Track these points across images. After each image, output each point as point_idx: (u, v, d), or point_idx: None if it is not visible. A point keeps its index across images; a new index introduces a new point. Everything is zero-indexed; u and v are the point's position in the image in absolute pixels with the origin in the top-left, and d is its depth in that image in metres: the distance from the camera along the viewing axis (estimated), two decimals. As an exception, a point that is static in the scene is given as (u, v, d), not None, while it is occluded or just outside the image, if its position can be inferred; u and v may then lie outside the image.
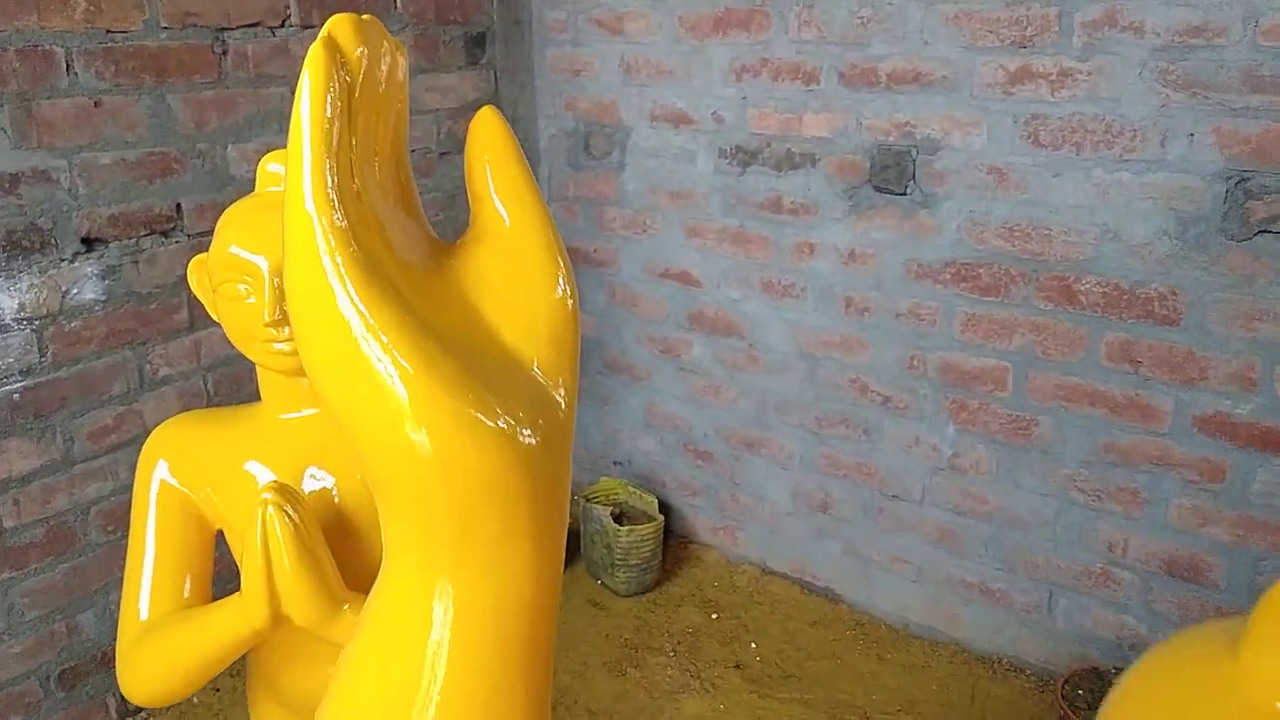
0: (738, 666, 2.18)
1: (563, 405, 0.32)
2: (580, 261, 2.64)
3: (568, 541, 2.54)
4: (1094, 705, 1.81)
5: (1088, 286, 1.83)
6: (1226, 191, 1.65)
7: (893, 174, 2.02)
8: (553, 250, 0.34)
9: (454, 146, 2.40)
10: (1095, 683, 1.87)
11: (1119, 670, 1.86)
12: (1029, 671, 2.10)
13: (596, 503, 2.51)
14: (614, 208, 2.53)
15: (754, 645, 2.25)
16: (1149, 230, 1.74)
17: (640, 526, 2.42)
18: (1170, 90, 1.66)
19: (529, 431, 0.30)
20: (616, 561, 2.40)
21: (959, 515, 2.13)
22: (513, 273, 0.33)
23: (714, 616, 2.36)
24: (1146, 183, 1.73)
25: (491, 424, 0.29)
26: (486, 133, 0.33)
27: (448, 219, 2.42)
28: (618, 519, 2.46)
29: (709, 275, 2.40)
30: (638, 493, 2.59)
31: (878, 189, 2.05)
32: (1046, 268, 1.87)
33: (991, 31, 1.82)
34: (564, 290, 0.34)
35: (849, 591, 2.37)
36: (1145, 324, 1.79)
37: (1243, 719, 0.39)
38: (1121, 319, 1.81)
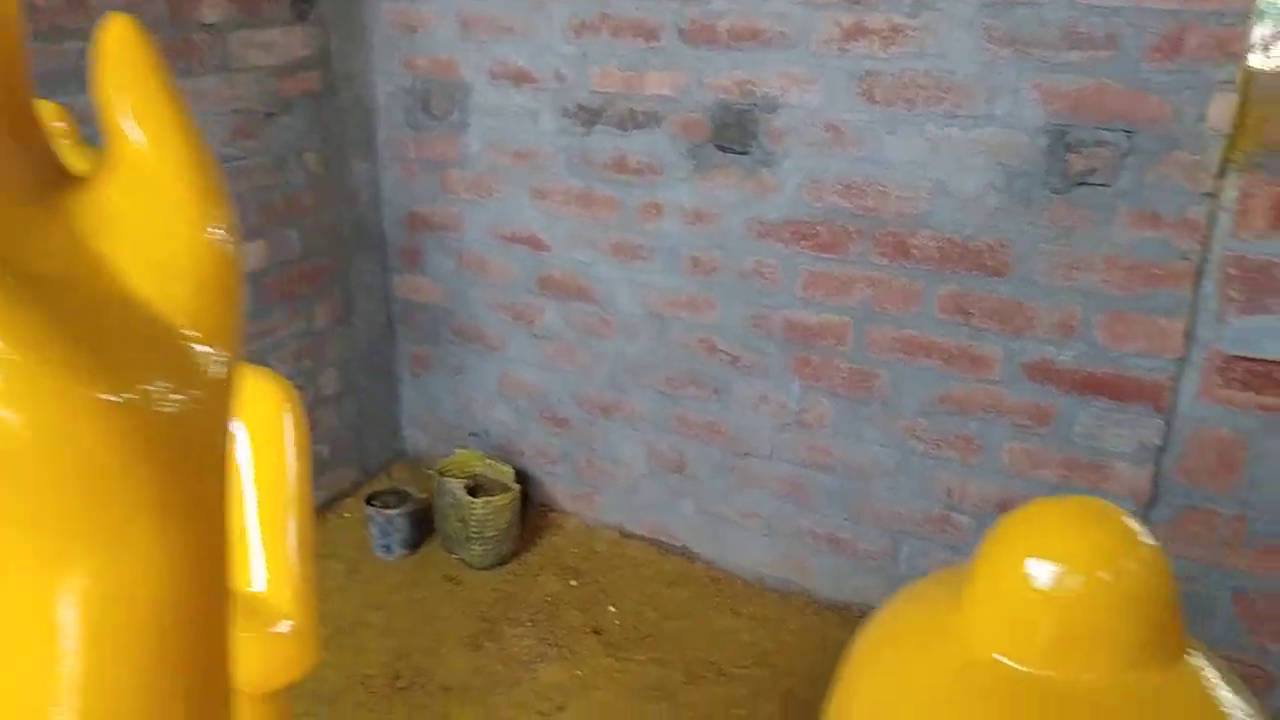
0: (596, 631, 2.16)
1: (213, 363, 0.27)
2: (424, 226, 2.54)
3: (422, 517, 2.45)
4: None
5: (922, 241, 1.88)
6: (1048, 146, 1.71)
7: (735, 132, 2.02)
8: (198, 178, 0.28)
9: (279, 107, 2.25)
10: (937, 624, 1.94)
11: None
12: (877, 617, 2.17)
13: (450, 476, 2.44)
14: (457, 169, 2.44)
15: (612, 609, 2.24)
16: (978, 185, 1.79)
17: (495, 497, 2.36)
18: (996, 46, 1.71)
19: (161, 400, 0.25)
20: (472, 534, 2.34)
21: (806, 469, 2.17)
22: (148, 209, 0.27)
23: (573, 583, 2.34)
24: (975, 138, 1.77)
25: (110, 398, 0.24)
26: (115, 42, 0.27)
27: (277, 184, 2.28)
28: (474, 491, 2.40)
29: (557, 238, 2.35)
30: (494, 463, 2.53)
31: (720, 148, 2.04)
32: (882, 224, 1.91)
33: (825, -13, 1.83)
34: (213, 226, 0.28)
35: (705, 549, 2.39)
36: (976, 276, 1.84)
37: (962, 668, 0.39)
38: (954, 272, 1.86)
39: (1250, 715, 0.45)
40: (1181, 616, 0.53)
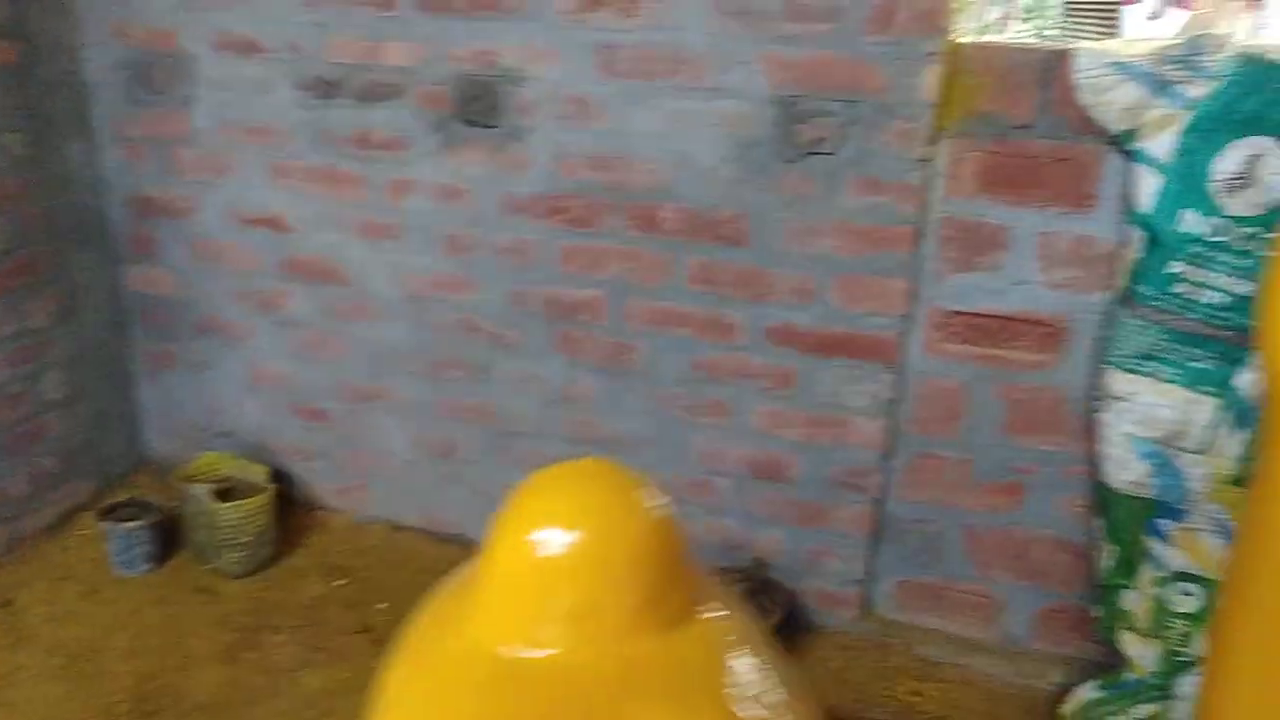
0: (365, 630, 2.08)
1: None
2: (154, 212, 2.33)
3: (168, 528, 2.26)
4: (701, 607, 1.93)
5: (668, 213, 1.90)
6: (778, 116, 1.77)
7: (481, 105, 1.97)
8: None
9: (-35, 77, 1.99)
10: (703, 586, 1.99)
11: (723, 571, 1.99)
12: (649, 585, 2.20)
13: (197, 481, 2.26)
14: (186, 148, 2.25)
15: (382, 606, 2.15)
16: (716, 156, 1.83)
17: (248, 501, 2.21)
18: (727, 18, 1.74)
19: None
20: (224, 542, 2.18)
21: (574, 444, 2.16)
22: None
23: (340, 583, 2.24)
24: (711, 109, 1.81)
25: None
26: None
27: (-34, 165, 2.02)
28: (224, 495, 2.24)
29: (302, 219, 2.21)
30: (246, 464, 2.37)
31: (467, 122, 1.99)
32: (631, 196, 1.92)
33: (560, -43, 1.80)
34: None
35: (479, 532, 2.33)
36: (719, 246, 1.89)
37: (467, 661, 0.38)
38: (699, 242, 1.90)
39: (759, 669, 0.45)
40: (696, 576, 0.53)
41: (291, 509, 2.43)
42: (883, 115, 1.70)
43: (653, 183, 1.89)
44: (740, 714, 0.30)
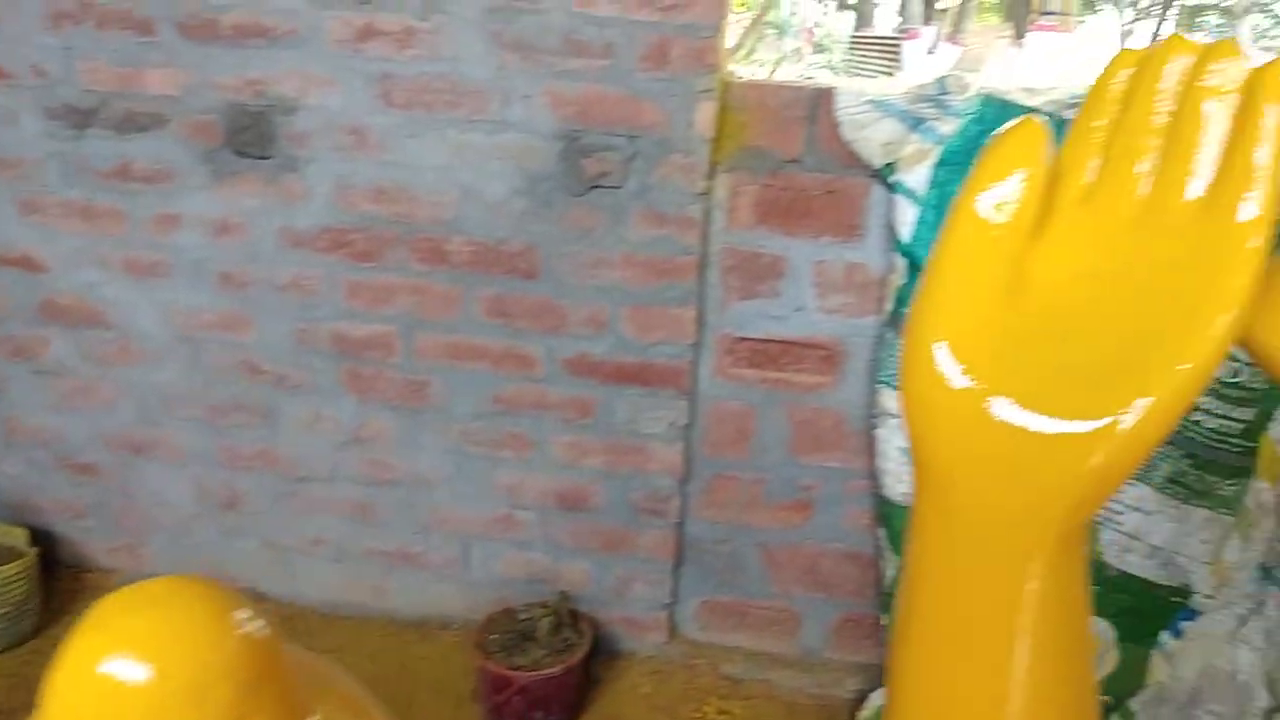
0: (142, 700, 1.91)
1: None
2: (-123, 251, 2.08)
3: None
4: (506, 646, 1.89)
5: (456, 246, 1.87)
6: (563, 150, 1.77)
7: (253, 136, 1.87)
8: None
9: None
10: (509, 623, 1.96)
11: (529, 606, 1.97)
12: (455, 626, 2.15)
13: (-62, 548, 2.03)
14: (-85, 182, 2.02)
15: (163, 671, 1.99)
16: (504, 189, 1.82)
17: (5, 567, 2.00)
18: (505, 52, 1.73)
19: None
20: (-26, 614, 1.97)
21: (370, 486, 2.08)
22: None
23: (114, 649, 2.05)
24: (496, 143, 1.79)
25: None
26: None
27: None
28: (-25, 562, 2.02)
29: (57, 257, 2.03)
30: (3, 528, 2.15)
31: (238, 152, 1.88)
32: (418, 230, 1.87)
33: (332, -15, 1.74)
34: None
35: (272, 585, 2.22)
36: (511, 279, 1.87)
37: None
38: (490, 275, 1.87)
39: None
40: (296, 692, 0.50)
41: (57, 573, 2.22)
42: (663, 150, 1.73)
43: (440, 215, 1.85)
44: None
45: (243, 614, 0.36)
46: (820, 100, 1.69)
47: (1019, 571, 0.35)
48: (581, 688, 1.94)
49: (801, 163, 1.73)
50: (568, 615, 1.95)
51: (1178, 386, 0.32)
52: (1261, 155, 0.32)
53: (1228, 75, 0.34)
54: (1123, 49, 0.38)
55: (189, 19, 1.81)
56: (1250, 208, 0.32)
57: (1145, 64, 0.36)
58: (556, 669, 1.82)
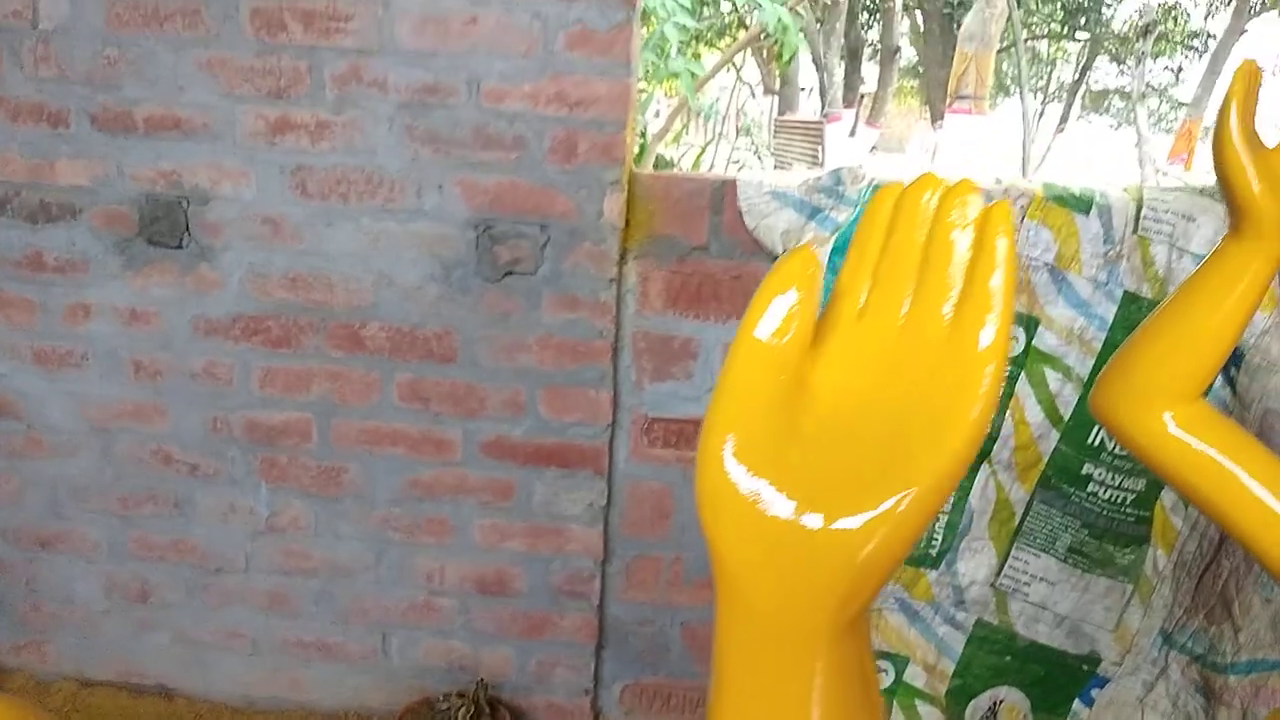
0: (40, 810, 1.83)
1: None
2: None
3: None
4: (424, 737, 1.86)
5: (373, 332, 1.88)
6: (476, 238, 1.81)
7: (165, 226, 1.87)
8: None
9: None
10: (427, 713, 1.93)
11: (447, 696, 1.94)
12: (374, 718, 2.10)
13: None
14: None
15: (64, 777, 1.91)
16: (419, 275, 1.84)
17: (-107, 671, 1.92)
18: (418, 144, 1.78)
19: None
20: None
21: (286, 576, 2.05)
22: None
23: (12, 756, 1.96)
24: (410, 231, 1.82)
25: None
26: None
27: None
28: None
29: (-38, 349, 2.00)
30: (-106, 628, 2.06)
31: (151, 242, 1.89)
32: (333, 315, 1.88)
33: (247, 81, 1.78)
34: None
35: (184, 682, 2.15)
36: (429, 363, 1.89)
37: None
38: (407, 360, 1.89)
39: None
40: None
41: (-46, 676, 2.13)
42: (574, 238, 1.78)
43: (355, 302, 1.87)
44: None
45: None
46: (724, 190, 1.76)
47: (805, 660, 0.38)
48: (502, 778, 1.91)
49: (708, 249, 1.79)
50: (486, 704, 1.92)
51: (931, 484, 0.36)
52: (996, 281, 0.37)
53: (966, 210, 0.39)
54: (884, 185, 0.43)
55: (102, 111, 1.83)
56: (988, 332, 0.37)
57: (903, 198, 0.41)
58: (475, 760, 1.79)
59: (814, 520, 0.36)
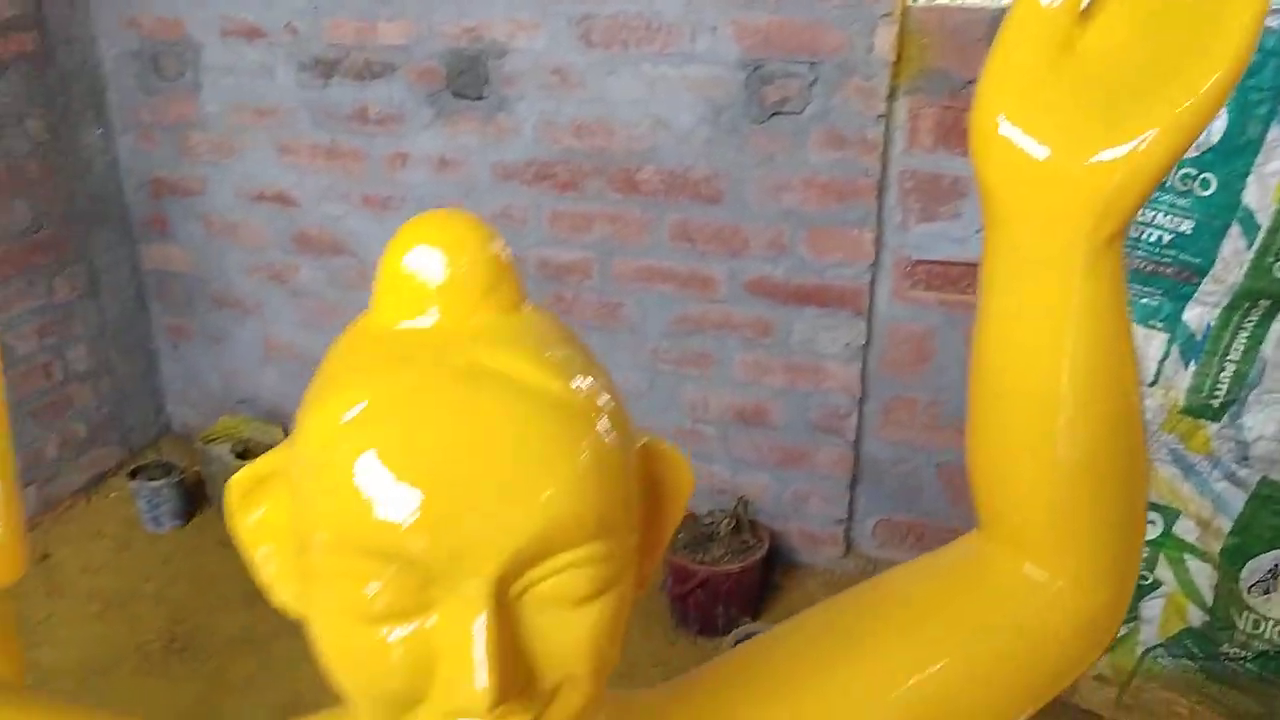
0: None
1: None
2: (168, 192, 2.47)
3: (192, 488, 2.39)
4: (689, 544, 2.05)
5: (648, 175, 2.01)
6: (746, 79, 1.87)
7: (469, 79, 2.08)
8: None
9: (-12, 68, 2.13)
10: (692, 525, 2.11)
11: (711, 512, 2.11)
12: (643, 531, 2.33)
13: (215, 443, 2.41)
14: (197, 131, 2.38)
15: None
16: (691, 119, 1.94)
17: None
18: (693, -11, 1.85)
19: None
20: (244, 497, 2.32)
21: (569, 400, 2.28)
22: None
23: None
24: (684, 75, 1.91)
25: None
26: None
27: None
28: (245, 455, 2.38)
29: (307, 194, 2.34)
30: (264, 426, 2.51)
31: (457, 94, 2.10)
32: (613, 160, 2.03)
33: (537, -65, 1.91)
34: None
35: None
36: (697, 204, 2.00)
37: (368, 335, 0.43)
38: (678, 201, 2.01)
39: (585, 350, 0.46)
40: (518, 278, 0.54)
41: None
42: (842, 75, 1.80)
43: (633, 147, 2.00)
44: (585, 364, 0.38)
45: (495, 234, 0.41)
46: (999, 21, 1.69)
47: (1059, 283, 0.44)
48: (759, 590, 2.07)
49: (982, 82, 1.75)
50: (746, 521, 2.08)
51: (1172, 124, 0.41)
52: None
53: None
54: None
55: (416, -25, 2.04)
56: None
57: None
58: (735, 567, 1.96)
59: (1067, 159, 0.43)
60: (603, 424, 0.38)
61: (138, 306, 2.61)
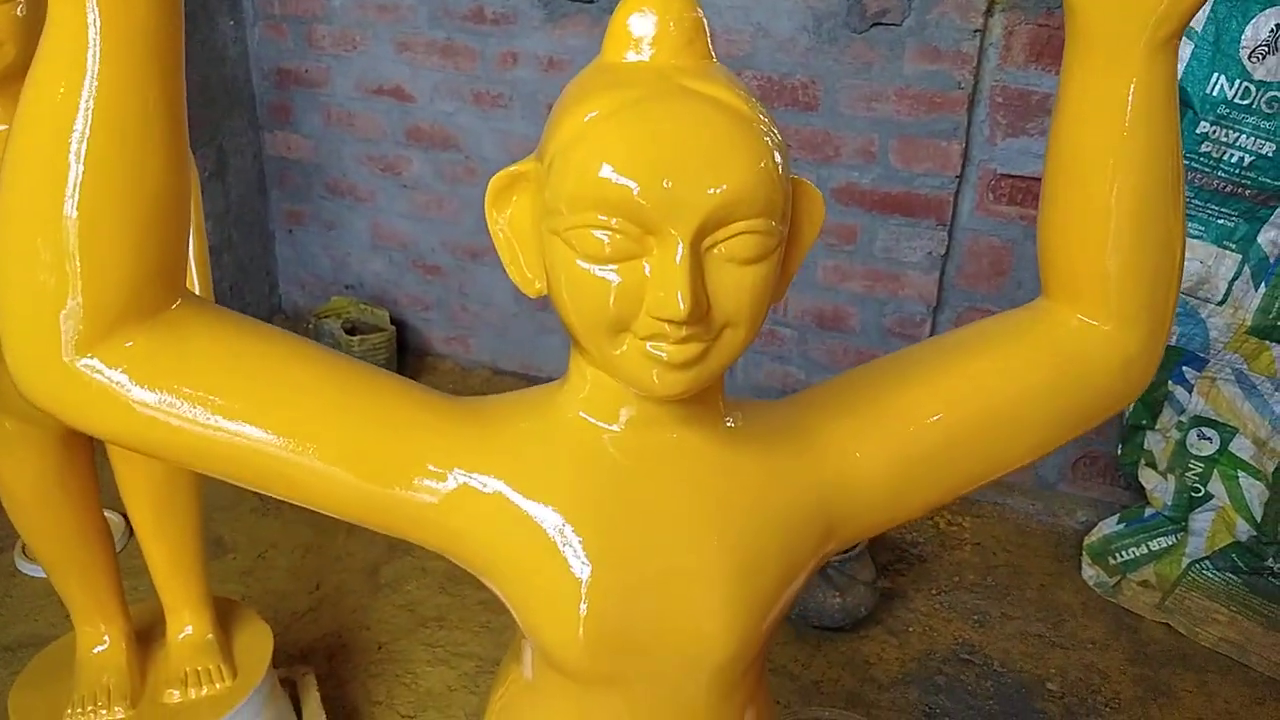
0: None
1: None
2: (293, 83, 2.64)
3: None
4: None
5: (748, 80, 2.11)
6: (849, -10, 1.96)
7: (581, -18, 2.20)
8: None
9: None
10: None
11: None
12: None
13: (327, 319, 2.61)
14: (322, 25, 2.54)
15: (484, 429, 2.47)
16: (792, 26, 2.03)
17: (372, 335, 2.55)
18: (804, -100, 1.93)
19: None
20: (351, 369, 2.52)
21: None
22: None
23: (448, 412, 2.56)
24: (789, -16, 2.01)
25: None
26: None
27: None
28: (352, 333, 2.58)
29: (421, 90, 2.49)
30: (369, 309, 2.70)
31: (569, -3, 2.22)
32: (714, 65, 2.13)
33: None
34: None
35: (569, 379, 2.63)
36: (793, 111, 2.10)
37: None
38: (774, 108, 2.11)
39: None
40: None
41: (406, 354, 2.76)
42: (943, -13, 1.87)
43: (736, 53, 2.10)
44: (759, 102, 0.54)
45: None
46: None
47: (1125, 76, 0.56)
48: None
49: None
50: (817, 417, 2.21)
51: None
52: None
53: None
54: None
55: (538, -121, 2.15)
56: None
57: None
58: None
59: None
60: (772, 137, 0.52)
61: (259, 190, 2.80)
